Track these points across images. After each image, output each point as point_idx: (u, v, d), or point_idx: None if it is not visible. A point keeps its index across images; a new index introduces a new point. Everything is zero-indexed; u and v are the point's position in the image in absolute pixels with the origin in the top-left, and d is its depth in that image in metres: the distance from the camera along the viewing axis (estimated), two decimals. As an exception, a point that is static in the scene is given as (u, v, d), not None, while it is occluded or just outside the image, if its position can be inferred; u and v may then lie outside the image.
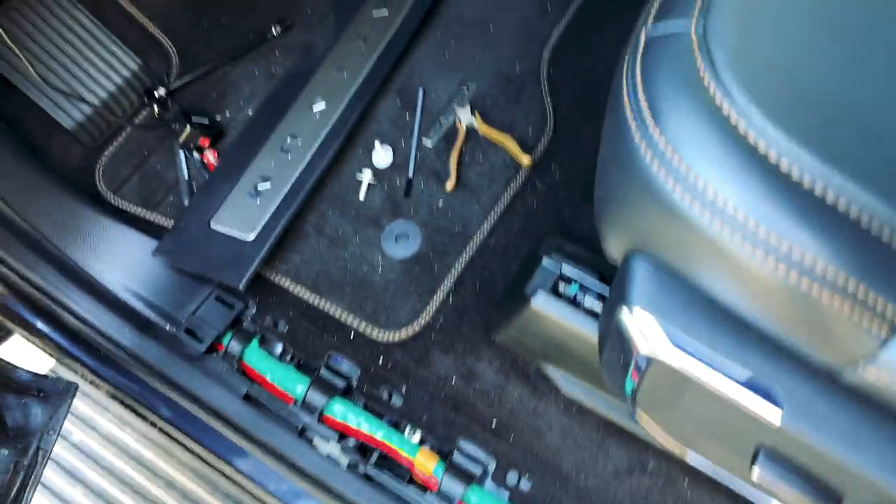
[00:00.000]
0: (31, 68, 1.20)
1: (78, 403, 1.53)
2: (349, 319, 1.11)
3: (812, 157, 0.51)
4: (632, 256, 0.64)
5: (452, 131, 1.25)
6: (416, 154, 1.23)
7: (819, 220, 0.50)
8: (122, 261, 1.15)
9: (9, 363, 1.33)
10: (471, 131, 1.24)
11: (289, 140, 1.21)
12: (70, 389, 1.33)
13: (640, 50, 0.60)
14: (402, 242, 1.16)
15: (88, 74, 1.25)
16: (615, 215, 0.63)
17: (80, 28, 1.26)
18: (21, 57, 1.15)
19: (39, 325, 1.15)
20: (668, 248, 0.58)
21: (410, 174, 1.21)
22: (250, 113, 1.29)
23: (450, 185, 1.18)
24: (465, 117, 1.24)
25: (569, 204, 1.13)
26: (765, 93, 0.54)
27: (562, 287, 0.89)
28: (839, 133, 0.53)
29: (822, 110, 0.54)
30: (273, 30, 1.36)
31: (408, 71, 1.32)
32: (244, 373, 1.09)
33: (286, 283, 1.15)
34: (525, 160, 1.18)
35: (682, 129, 0.54)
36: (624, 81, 0.59)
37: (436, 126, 1.26)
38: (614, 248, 0.66)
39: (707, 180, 0.52)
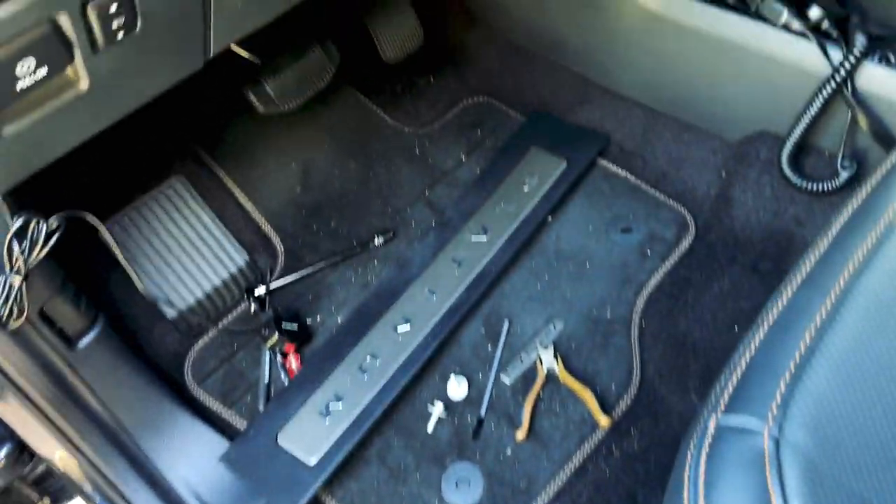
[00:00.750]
0: (146, 261, 1.29)
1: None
2: (394, 568, 1.06)
3: None
4: None
5: (532, 371, 1.22)
6: (491, 392, 1.20)
7: None
8: (191, 459, 1.16)
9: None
10: (551, 375, 1.20)
11: (368, 359, 1.22)
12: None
13: (708, 439, 0.55)
14: (462, 488, 1.11)
15: (199, 268, 1.33)
16: None
17: (200, 224, 1.36)
18: (130, 266, 1.23)
19: (99, 502, 1.17)
20: None
21: (482, 413, 1.18)
22: (339, 320, 1.32)
23: (521, 433, 1.14)
24: (547, 359, 1.21)
25: (644, 483, 1.06)
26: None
27: None
28: None
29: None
30: (376, 239, 1.41)
31: (497, 298, 1.32)
32: None
33: (340, 511, 1.12)
34: (603, 421, 1.13)
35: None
36: (686, 469, 0.55)
37: (516, 363, 1.23)
38: None
39: None
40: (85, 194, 1.31)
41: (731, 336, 1.19)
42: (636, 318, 1.26)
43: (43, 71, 0.65)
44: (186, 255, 1.33)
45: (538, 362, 1.22)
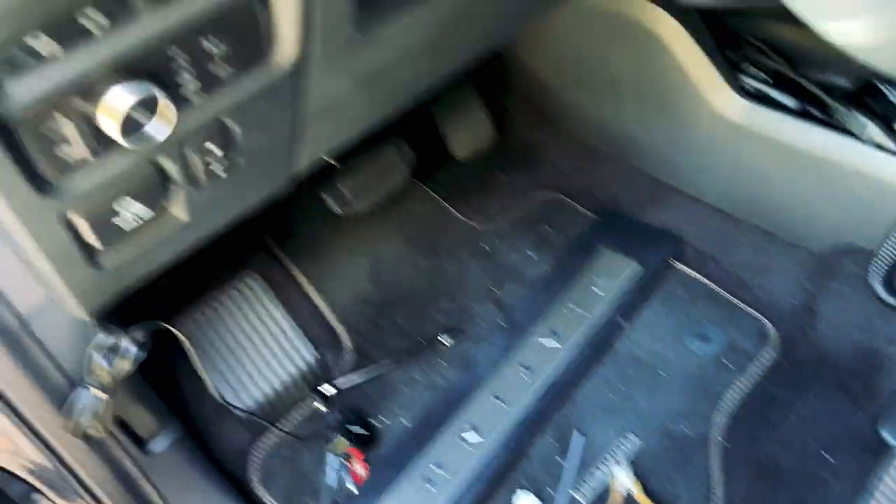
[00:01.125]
0: (217, 357, 1.30)
1: None
2: None
3: None
4: None
5: (605, 489, 1.17)
6: (563, 511, 1.16)
7: None
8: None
9: None
10: (628, 498, 1.15)
11: (434, 469, 1.19)
12: None
13: None
14: None
15: (268, 364, 1.33)
16: None
17: (271, 320, 1.37)
18: (203, 366, 1.23)
19: None
20: None
21: (554, 535, 1.14)
22: (404, 422, 1.29)
23: (595, 560, 1.09)
24: (623, 480, 1.16)
25: None
26: None
27: None
28: None
29: None
30: (442, 338, 1.39)
31: (568, 408, 1.28)
32: None
33: None
34: (683, 552, 1.07)
35: None
36: None
37: (589, 480, 1.18)
38: None
39: None
40: (161, 289, 1.33)
41: (820, 462, 1.13)
42: (716, 436, 1.20)
43: (148, 213, 0.67)
44: (257, 352, 1.34)
45: (612, 481, 1.17)
